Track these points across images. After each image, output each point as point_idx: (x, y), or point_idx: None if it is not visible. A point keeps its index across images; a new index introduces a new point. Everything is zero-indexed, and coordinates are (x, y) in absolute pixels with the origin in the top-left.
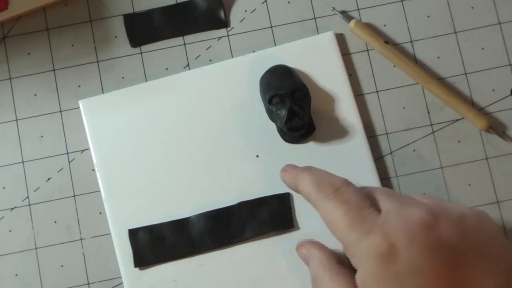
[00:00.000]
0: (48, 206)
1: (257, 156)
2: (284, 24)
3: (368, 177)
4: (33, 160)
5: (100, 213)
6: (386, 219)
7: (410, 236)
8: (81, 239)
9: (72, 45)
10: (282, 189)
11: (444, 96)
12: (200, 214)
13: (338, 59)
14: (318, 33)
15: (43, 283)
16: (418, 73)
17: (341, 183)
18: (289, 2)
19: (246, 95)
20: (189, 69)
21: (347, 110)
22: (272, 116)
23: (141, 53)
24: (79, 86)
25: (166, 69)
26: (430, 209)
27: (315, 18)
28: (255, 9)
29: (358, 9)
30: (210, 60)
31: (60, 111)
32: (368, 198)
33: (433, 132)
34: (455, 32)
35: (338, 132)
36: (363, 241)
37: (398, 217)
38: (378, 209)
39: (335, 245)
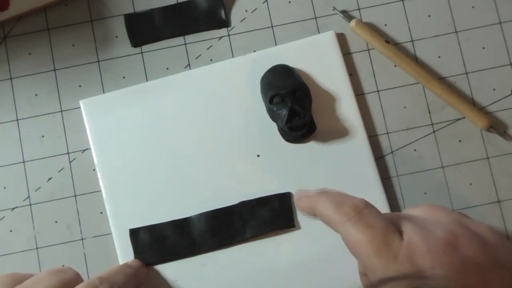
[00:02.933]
0: (49, 206)
1: (258, 155)
2: (285, 24)
3: (368, 177)
4: (34, 160)
5: (101, 213)
6: (410, 244)
7: (435, 258)
8: (82, 239)
9: (73, 45)
10: (283, 188)
11: (445, 95)
12: (201, 214)
13: (339, 59)
14: (319, 33)
15: None
16: (419, 73)
17: (363, 205)
18: (289, 2)
19: (247, 95)
20: (190, 69)
21: (348, 110)
22: (273, 115)
23: (141, 53)
24: (80, 86)
25: (167, 69)
26: (450, 229)
27: (315, 17)
28: (255, 8)
29: (359, 9)
30: (211, 60)
31: (61, 111)
32: (391, 221)
33: (434, 132)
34: (456, 32)
35: (339, 131)
36: (390, 268)
37: (421, 240)
38: (400, 233)
39: (338, 243)
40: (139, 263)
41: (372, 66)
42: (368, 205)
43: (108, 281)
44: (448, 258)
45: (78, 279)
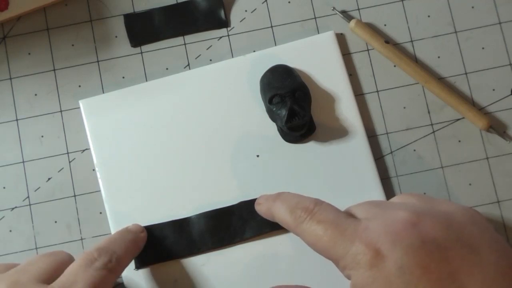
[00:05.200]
0: (49, 206)
1: (258, 156)
2: (285, 24)
3: (368, 177)
4: (34, 160)
5: (101, 213)
6: (367, 226)
7: (393, 237)
8: (81, 239)
9: (73, 45)
10: (282, 188)
11: (445, 95)
12: (200, 214)
13: (338, 59)
14: (318, 33)
15: None
16: (418, 73)
17: (314, 205)
18: (289, 2)
19: (247, 95)
20: (190, 69)
21: (347, 110)
22: (272, 115)
23: (141, 53)
24: (80, 86)
25: (167, 69)
26: (411, 209)
27: (315, 18)
28: (255, 9)
29: (359, 9)
30: (211, 60)
31: (61, 111)
32: (346, 211)
33: (433, 132)
34: (456, 32)
35: (338, 131)
36: (348, 253)
37: (379, 221)
38: (358, 219)
39: None
40: (140, 227)
41: (372, 66)
42: (318, 203)
43: (106, 252)
44: (407, 237)
45: (71, 259)
